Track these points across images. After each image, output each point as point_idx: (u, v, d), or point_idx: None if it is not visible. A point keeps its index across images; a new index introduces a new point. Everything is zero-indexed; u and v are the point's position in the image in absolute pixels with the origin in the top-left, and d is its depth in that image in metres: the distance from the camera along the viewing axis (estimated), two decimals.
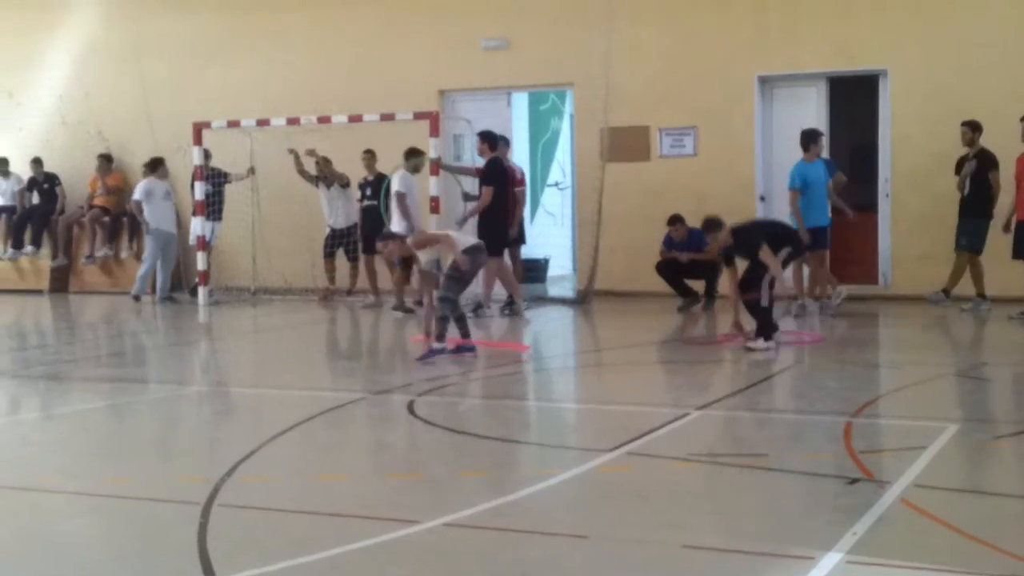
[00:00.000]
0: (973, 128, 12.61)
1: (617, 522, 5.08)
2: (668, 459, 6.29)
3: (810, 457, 6.27)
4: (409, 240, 10.11)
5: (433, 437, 7.08)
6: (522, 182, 14.39)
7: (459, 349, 9.74)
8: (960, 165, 12.81)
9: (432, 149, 14.06)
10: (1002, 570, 4.27)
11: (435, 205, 14.08)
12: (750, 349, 9.96)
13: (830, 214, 13.06)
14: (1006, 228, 12.34)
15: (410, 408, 7.72)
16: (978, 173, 12.58)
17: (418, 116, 14.41)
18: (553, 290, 16.12)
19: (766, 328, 10.11)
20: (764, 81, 14.79)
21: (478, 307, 13.02)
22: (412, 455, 6.74)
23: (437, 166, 14.09)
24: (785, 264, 10.59)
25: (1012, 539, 4.65)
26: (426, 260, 9.90)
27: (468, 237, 10.20)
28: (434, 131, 14.12)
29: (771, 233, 10.55)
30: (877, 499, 5.21)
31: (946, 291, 12.97)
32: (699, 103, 14.83)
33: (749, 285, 10.28)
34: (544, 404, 8.56)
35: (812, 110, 14.57)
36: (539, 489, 5.67)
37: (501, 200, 13.18)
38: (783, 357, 9.84)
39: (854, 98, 14.71)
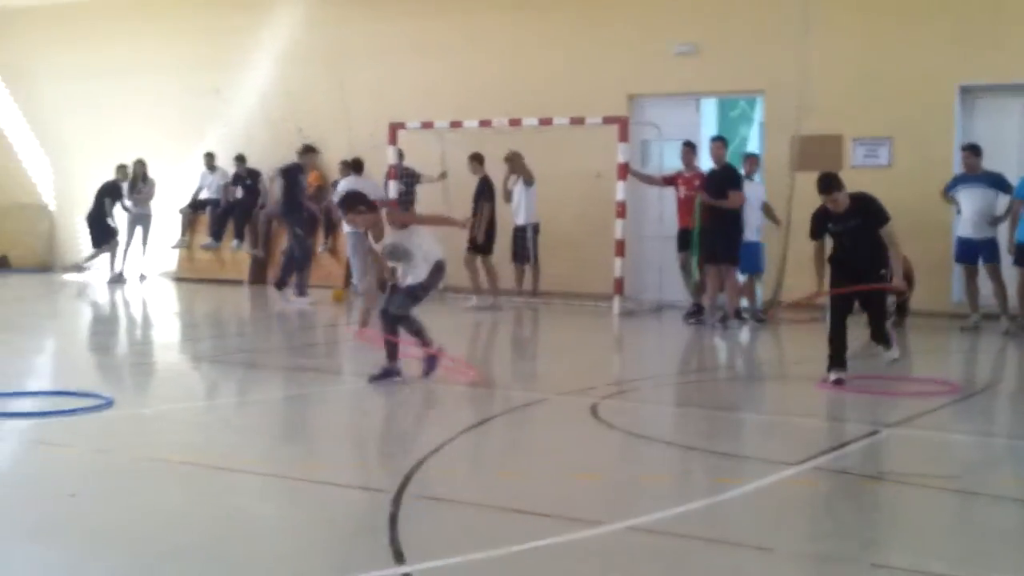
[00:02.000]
0: None
1: (803, 536, 5.02)
2: (856, 476, 6.18)
3: (1007, 482, 6.06)
4: (385, 212, 8.90)
5: (616, 440, 7.13)
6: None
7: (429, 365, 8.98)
8: None
9: (620, 154, 14.13)
10: None
11: (621, 210, 14.13)
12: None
13: None
14: None
15: (593, 411, 7.78)
16: None
17: (607, 120, 14.50)
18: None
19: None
20: (966, 91, 14.30)
21: (725, 317, 13.02)
22: (594, 457, 6.78)
23: (625, 171, 14.16)
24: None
25: None
26: (386, 244, 8.79)
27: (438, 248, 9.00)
28: (623, 136, 14.18)
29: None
30: None
31: None
32: (895, 113, 14.44)
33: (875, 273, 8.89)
34: (732, 414, 8.48)
35: (1016, 122, 14.02)
36: (724, 498, 5.65)
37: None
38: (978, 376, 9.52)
39: None
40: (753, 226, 13.49)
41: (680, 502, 5.49)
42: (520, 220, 15.35)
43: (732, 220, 12.99)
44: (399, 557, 4.59)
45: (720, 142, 13.41)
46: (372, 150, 16.76)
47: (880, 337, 9.10)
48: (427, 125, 15.81)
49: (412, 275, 8.83)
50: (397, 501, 5.37)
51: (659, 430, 7.65)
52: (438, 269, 8.83)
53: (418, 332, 8.92)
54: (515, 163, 15.20)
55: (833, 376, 8.69)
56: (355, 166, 16.34)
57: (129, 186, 18.76)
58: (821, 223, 8.95)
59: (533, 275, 15.53)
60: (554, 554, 4.70)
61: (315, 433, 7.56)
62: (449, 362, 9.03)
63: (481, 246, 14.96)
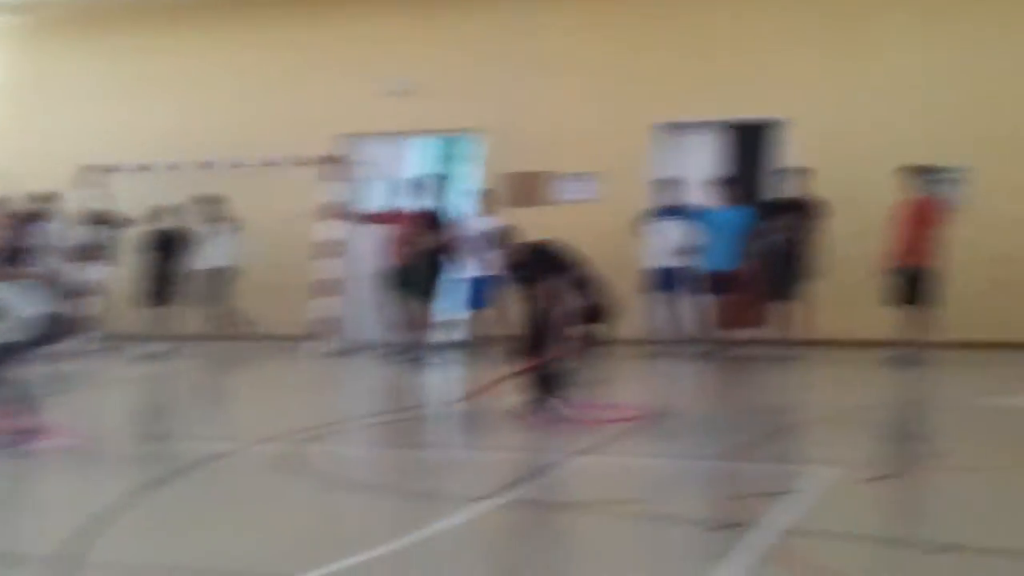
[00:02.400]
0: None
1: (494, 569, 5.01)
2: (543, 505, 6.24)
3: (683, 502, 6.26)
4: None
5: (305, 487, 6.96)
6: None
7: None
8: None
9: (332, 193, 14.05)
10: None
11: (332, 249, 14.07)
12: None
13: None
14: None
15: (284, 459, 7.57)
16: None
17: (322, 160, 14.38)
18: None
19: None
20: (659, 129, 14.95)
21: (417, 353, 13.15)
22: (282, 507, 6.57)
23: (338, 211, 14.10)
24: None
25: None
26: None
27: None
28: (335, 175, 14.09)
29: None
30: (745, 544, 5.22)
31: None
32: (598, 150, 14.97)
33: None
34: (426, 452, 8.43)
35: (706, 158, 14.75)
36: (413, 539, 5.61)
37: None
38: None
39: (754, 145, 14.91)
40: (475, 261, 13.53)
41: (369, 547, 5.37)
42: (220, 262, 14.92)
43: (432, 257, 13.10)
44: None
45: (433, 180, 13.54)
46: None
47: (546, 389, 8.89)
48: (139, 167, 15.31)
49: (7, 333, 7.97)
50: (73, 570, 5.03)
51: (352, 474, 7.50)
52: (37, 326, 7.99)
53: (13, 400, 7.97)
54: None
55: (529, 409, 8.76)
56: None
57: None
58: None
59: (225, 320, 15.03)
60: None
61: None
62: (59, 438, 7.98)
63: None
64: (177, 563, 5.16)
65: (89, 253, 14.90)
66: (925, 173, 12.06)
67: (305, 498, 6.73)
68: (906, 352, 11.88)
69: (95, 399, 8.33)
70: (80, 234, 15.05)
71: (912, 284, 12.02)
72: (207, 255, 14.76)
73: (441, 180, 13.65)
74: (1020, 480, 6.77)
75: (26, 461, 7.70)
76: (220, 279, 14.74)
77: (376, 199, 15.19)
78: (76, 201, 15.36)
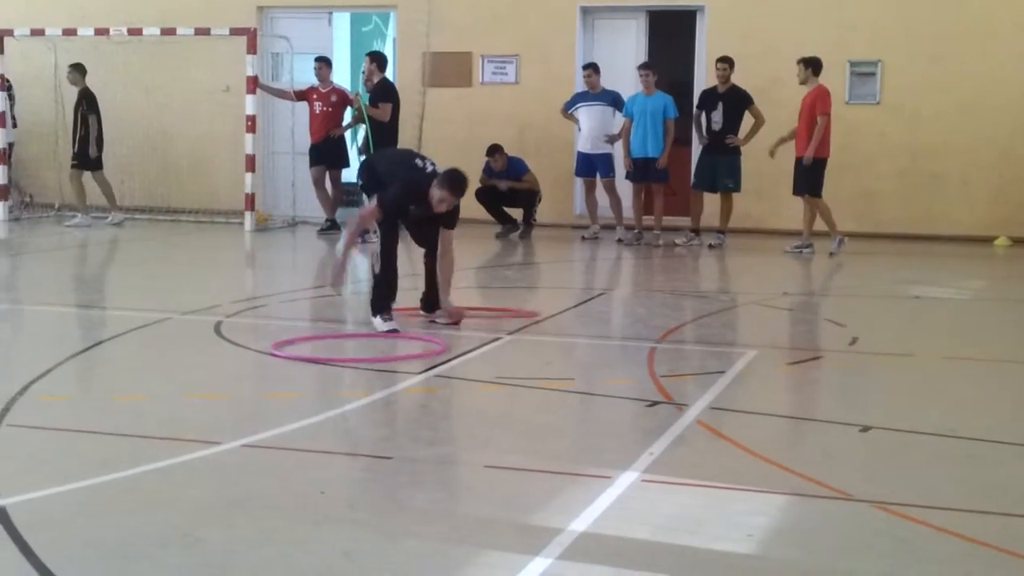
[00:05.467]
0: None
1: (422, 442, 5.10)
2: (476, 382, 6.34)
3: (614, 382, 6.41)
4: None
5: (242, 358, 6.96)
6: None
7: None
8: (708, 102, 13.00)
9: (249, 67, 13.73)
10: (788, 488, 4.46)
11: (251, 124, 13.79)
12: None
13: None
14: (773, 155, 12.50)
15: (217, 329, 7.56)
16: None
17: (235, 32, 14.01)
18: None
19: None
20: (586, 12, 14.85)
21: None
22: (216, 376, 6.58)
23: (254, 84, 13.80)
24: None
25: (799, 459, 4.88)
26: None
27: None
28: (251, 48, 13.76)
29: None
30: (675, 421, 5.38)
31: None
32: (522, 33, 14.81)
33: None
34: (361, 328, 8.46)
35: (632, 43, 14.73)
36: (345, 410, 5.66)
37: (396, 118, 13.07)
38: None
39: (672, 32, 14.91)
40: None
41: (300, 418, 5.42)
42: None
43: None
44: None
45: (369, 58, 13.38)
46: None
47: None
48: (37, 33, 14.69)
49: None
50: None
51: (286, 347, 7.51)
52: None
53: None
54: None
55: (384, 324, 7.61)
56: None
57: None
58: None
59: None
60: (165, 475, 4.52)
61: None
62: None
63: (92, 161, 14.19)
64: (97, 427, 5.16)
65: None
66: (816, 64, 12.17)
67: (237, 368, 6.74)
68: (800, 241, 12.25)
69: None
70: None
71: (802, 173, 12.25)
72: None
73: (368, 57, 13.39)
74: (929, 366, 7.05)
75: None
76: None
77: (293, 75, 14.91)
78: None
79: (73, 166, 14.30)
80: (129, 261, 12.46)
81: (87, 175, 14.37)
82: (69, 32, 14.63)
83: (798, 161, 12.16)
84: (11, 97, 15.00)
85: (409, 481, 4.53)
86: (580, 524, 4.00)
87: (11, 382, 5.96)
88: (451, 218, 7.74)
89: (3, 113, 14.63)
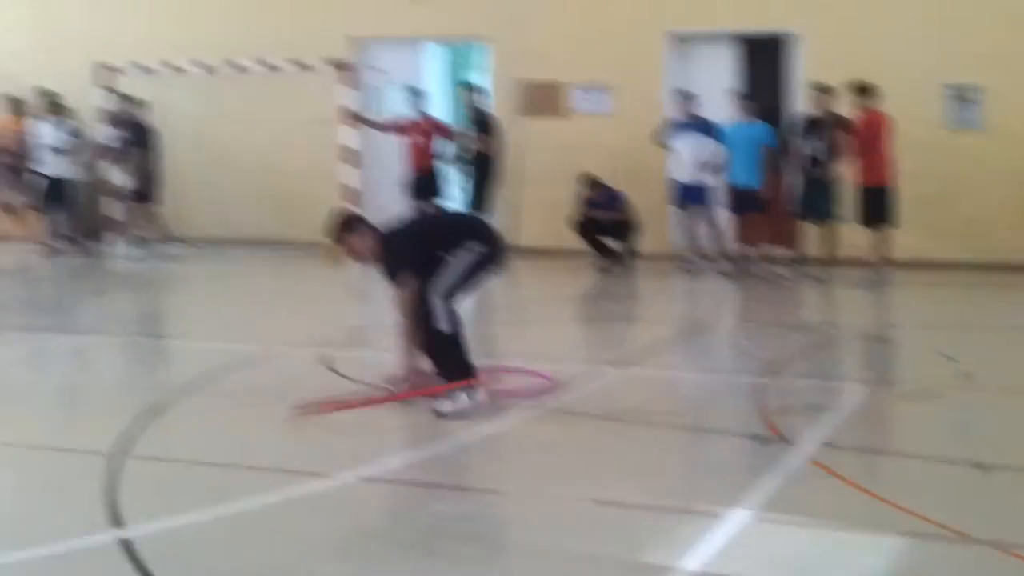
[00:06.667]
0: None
1: (531, 477, 5.11)
2: (584, 415, 6.33)
3: (723, 417, 6.36)
4: None
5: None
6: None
7: None
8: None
9: (345, 99, 13.97)
10: (905, 529, 4.39)
11: (349, 156, 14.02)
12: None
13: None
14: None
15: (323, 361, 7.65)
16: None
17: (331, 64, 14.28)
18: None
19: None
20: (674, 38, 14.77)
21: None
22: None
23: (354, 118, 14.03)
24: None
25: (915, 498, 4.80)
26: None
27: None
28: (348, 81, 13.98)
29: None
30: (786, 458, 5.33)
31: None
32: (609, 60, 14.78)
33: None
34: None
35: (725, 70, 14.63)
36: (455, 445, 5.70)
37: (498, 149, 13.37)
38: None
39: (765, 59, 14.75)
40: None
41: (410, 450, 5.47)
42: None
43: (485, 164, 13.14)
44: (117, 521, 4.37)
45: (463, 87, 13.53)
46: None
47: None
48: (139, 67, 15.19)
49: None
50: (117, 463, 5.12)
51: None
52: None
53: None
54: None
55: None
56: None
57: None
58: None
59: None
60: (283, 507, 4.59)
61: (32, 394, 7.11)
62: None
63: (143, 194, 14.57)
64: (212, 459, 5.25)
65: (108, 153, 14.90)
66: (866, 89, 12.04)
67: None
68: (868, 273, 11.92)
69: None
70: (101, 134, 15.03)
71: (868, 203, 12.03)
72: None
73: (466, 88, 13.57)
74: None
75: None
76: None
77: (389, 107, 15.06)
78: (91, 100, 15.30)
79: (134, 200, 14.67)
80: (232, 296, 12.62)
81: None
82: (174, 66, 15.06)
83: (866, 190, 11.97)
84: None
85: (518, 516, 4.55)
86: (691, 562, 3.98)
87: (134, 414, 6.10)
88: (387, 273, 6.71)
89: (118, 149, 14.94)
